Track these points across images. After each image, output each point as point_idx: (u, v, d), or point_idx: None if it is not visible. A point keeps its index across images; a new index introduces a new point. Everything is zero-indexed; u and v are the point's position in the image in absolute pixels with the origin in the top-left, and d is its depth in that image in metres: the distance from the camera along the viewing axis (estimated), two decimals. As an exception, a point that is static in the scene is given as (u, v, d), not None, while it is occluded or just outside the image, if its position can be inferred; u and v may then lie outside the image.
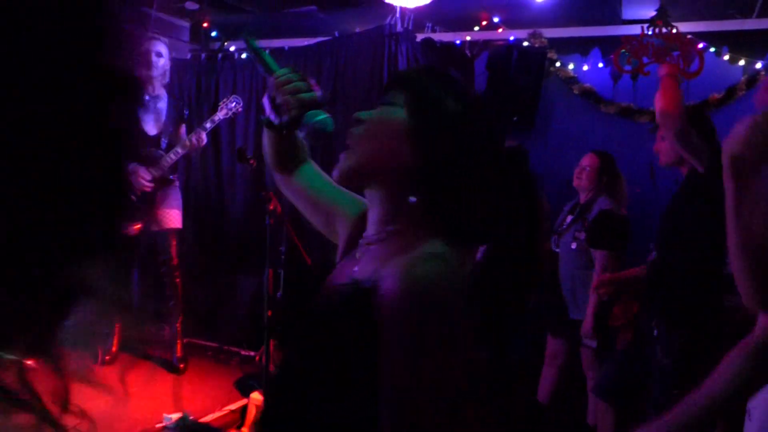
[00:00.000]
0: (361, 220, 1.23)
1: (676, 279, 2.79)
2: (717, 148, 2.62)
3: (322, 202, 1.41)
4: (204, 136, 4.26)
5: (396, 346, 0.94)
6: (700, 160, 2.75)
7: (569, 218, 3.78)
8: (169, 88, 4.72)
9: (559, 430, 4.04)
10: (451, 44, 5.16)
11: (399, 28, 4.66)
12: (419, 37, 4.90)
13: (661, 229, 2.95)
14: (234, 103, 4.37)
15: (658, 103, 2.80)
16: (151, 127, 4.26)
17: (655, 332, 2.81)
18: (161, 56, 4.25)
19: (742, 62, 4.66)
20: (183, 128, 4.42)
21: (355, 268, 1.11)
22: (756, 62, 4.61)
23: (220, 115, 4.30)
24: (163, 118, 4.30)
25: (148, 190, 4.16)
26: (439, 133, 1.08)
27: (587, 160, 3.79)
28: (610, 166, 3.75)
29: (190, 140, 4.18)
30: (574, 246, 3.66)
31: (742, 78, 4.64)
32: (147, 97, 4.26)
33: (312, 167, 1.46)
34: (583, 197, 3.79)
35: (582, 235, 3.64)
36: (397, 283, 0.95)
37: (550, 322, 3.90)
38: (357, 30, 5.18)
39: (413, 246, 1.03)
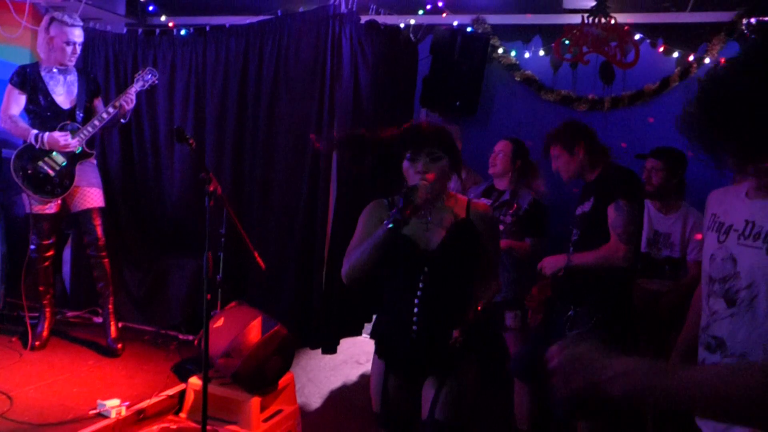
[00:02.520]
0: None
1: (594, 278, 3.04)
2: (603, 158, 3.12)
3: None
4: (133, 96, 4.11)
5: (490, 237, 2.42)
6: (587, 175, 3.19)
7: (484, 201, 3.88)
8: (102, 61, 4.54)
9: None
10: (396, 27, 5.14)
11: (343, 9, 4.61)
12: (363, 19, 4.85)
13: (579, 229, 3.18)
14: (150, 75, 4.25)
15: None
16: (63, 101, 4.10)
17: (571, 312, 3.08)
18: (81, 46, 4.11)
19: (676, 54, 4.82)
20: (98, 101, 4.28)
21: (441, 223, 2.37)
22: (689, 54, 4.76)
23: (137, 86, 4.17)
24: (76, 91, 4.15)
25: (74, 148, 4.01)
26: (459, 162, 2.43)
27: (500, 146, 3.98)
28: (523, 151, 3.92)
29: (119, 101, 4.03)
30: (501, 228, 3.76)
31: (676, 69, 4.80)
32: (56, 71, 4.10)
33: None
34: (499, 183, 3.96)
35: (508, 219, 3.83)
36: (484, 210, 2.45)
37: None
38: (300, 10, 5.10)
39: (452, 199, 2.42)
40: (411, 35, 5.20)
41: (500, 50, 5.10)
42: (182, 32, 5.22)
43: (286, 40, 4.73)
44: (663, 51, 4.84)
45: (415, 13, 5.32)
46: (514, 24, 5.20)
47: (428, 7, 5.33)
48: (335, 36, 4.53)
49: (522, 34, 5.17)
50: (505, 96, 5.15)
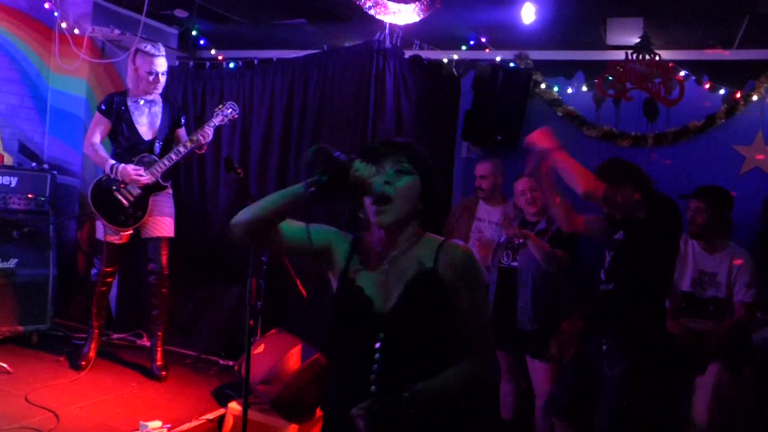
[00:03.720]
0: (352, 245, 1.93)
1: (627, 305, 3.04)
2: (652, 194, 3.07)
3: (316, 244, 1.94)
4: (211, 132, 4.21)
5: (468, 290, 1.77)
6: (637, 211, 3.04)
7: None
8: (164, 93, 4.72)
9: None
10: (439, 62, 5.23)
11: (387, 44, 4.71)
12: (407, 54, 4.95)
13: (614, 262, 3.18)
14: (230, 110, 4.35)
15: (577, 187, 3.02)
16: (146, 132, 4.23)
17: (604, 347, 3.06)
18: (165, 75, 4.25)
19: (722, 91, 4.78)
20: (180, 131, 4.40)
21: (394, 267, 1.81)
22: (736, 91, 4.72)
23: (216, 120, 4.28)
24: (159, 123, 4.28)
25: (146, 182, 4.13)
26: (433, 187, 1.86)
27: (523, 185, 3.93)
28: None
29: (196, 136, 4.15)
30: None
31: (722, 107, 4.75)
32: (143, 102, 4.24)
33: (291, 222, 1.92)
34: (528, 216, 3.96)
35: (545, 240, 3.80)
36: (456, 254, 1.79)
37: (505, 337, 3.94)
38: (346, 44, 5.23)
39: (422, 241, 1.83)
40: (454, 70, 5.28)
41: (542, 85, 5.13)
42: (231, 65, 5.40)
43: (331, 74, 4.84)
44: (709, 88, 4.80)
45: (458, 48, 5.40)
46: (557, 60, 5.24)
47: (471, 42, 5.41)
48: (379, 70, 4.62)
49: (564, 70, 5.20)
50: (547, 131, 5.16)
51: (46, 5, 5.29)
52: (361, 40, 4.98)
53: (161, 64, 4.20)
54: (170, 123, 4.33)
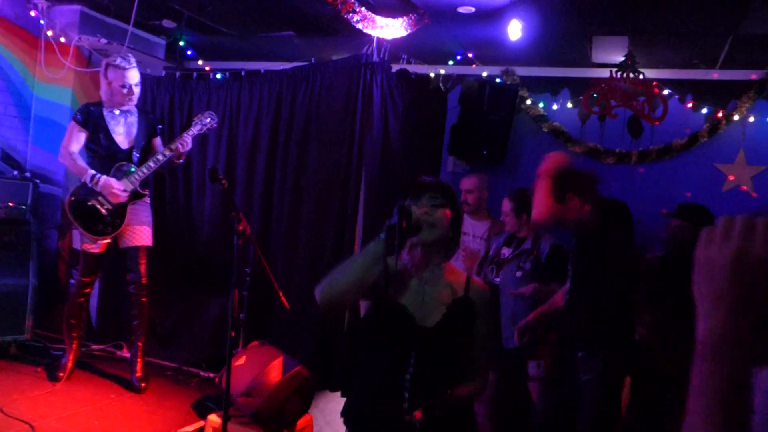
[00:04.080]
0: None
1: (590, 313, 3.11)
2: (601, 202, 3.12)
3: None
4: (189, 140, 4.20)
5: (486, 321, 2.15)
6: (585, 224, 3.11)
7: (506, 250, 3.88)
8: (140, 103, 4.69)
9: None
10: (426, 76, 5.25)
11: (375, 57, 4.73)
12: (395, 67, 4.97)
13: (574, 272, 3.24)
14: (209, 119, 4.35)
15: (532, 217, 3.17)
16: (122, 141, 4.21)
17: (580, 354, 3.11)
18: (138, 86, 4.24)
19: (704, 110, 4.83)
20: (157, 141, 4.38)
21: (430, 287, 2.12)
22: (718, 111, 4.78)
23: (194, 129, 4.27)
24: (135, 132, 4.27)
25: (124, 200, 4.10)
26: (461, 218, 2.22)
27: (504, 207, 3.98)
28: (525, 202, 3.84)
29: (175, 145, 4.14)
30: (519, 274, 3.76)
31: (705, 125, 4.81)
32: (118, 112, 4.22)
33: None
34: (518, 232, 3.96)
35: (528, 266, 3.80)
36: (482, 290, 2.18)
37: None
38: (334, 58, 5.24)
39: (448, 270, 2.17)
40: (441, 84, 5.30)
41: (528, 101, 5.17)
42: (218, 76, 5.39)
43: (319, 86, 4.85)
44: (692, 107, 4.86)
45: (446, 63, 5.44)
46: (543, 76, 5.28)
47: (458, 57, 5.45)
48: (366, 84, 4.64)
49: (550, 87, 5.24)
50: (532, 146, 5.19)
51: (33, 13, 5.27)
52: (348, 53, 5.00)
53: (133, 76, 4.19)
54: (147, 132, 4.32)
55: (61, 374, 4.12)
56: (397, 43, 4.80)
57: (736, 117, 4.72)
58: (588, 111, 4.92)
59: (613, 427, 3.06)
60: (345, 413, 2.20)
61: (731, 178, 4.74)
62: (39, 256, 4.83)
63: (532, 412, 3.73)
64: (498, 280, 3.86)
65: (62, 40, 5.31)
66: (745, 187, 4.70)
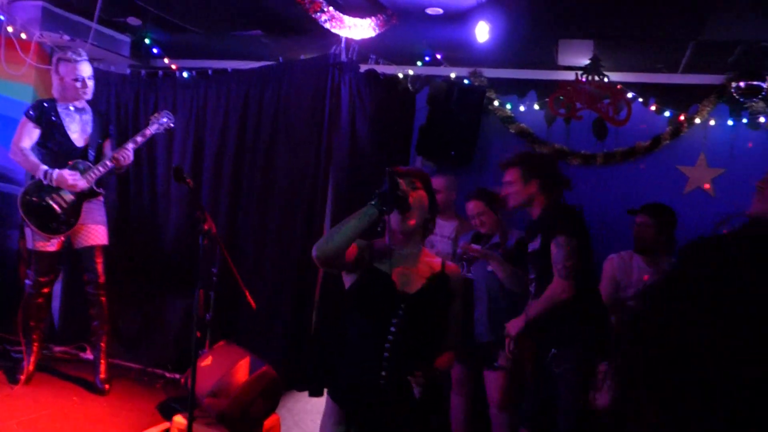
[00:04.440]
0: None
1: (563, 309, 3.12)
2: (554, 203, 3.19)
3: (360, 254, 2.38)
4: (130, 151, 4.14)
5: (460, 301, 2.42)
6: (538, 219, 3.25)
7: (475, 246, 3.92)
8: (104, 101, 4.61)
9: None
10: (394, 77, 5.26)
11: (343, 58, 4.73)
12: (363, 68, 4.98)
13: (535, 269, 3.28)
14: (165, 119, 4.30)
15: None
16: (78, 138, 4.15)
17: (553, 350, 3.15)
18: (91, 79, 4.18)
19: (667, 113, 4.93)
20: (108, 144, 4.32)
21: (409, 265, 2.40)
22: (680, 114, 4.88)
23: (150, 129, 4.23)
24: (90, 130, 4.20)
25: (82, 187, 4.03)
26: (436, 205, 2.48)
27: (473, 208, 4.00)
28: (494, 200, 3.95)
29: (117, 156, 4.08)
30: (490, 268, 3.78)
31: (668, 128, 4.90)
32: (73, 109, 4.16)
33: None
34: (482, 229, 4.01)
35: (498, 253, 3.86)
36: (457, 273, 2.47)
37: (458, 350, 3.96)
38: (302, 57, 5.22)
39: (424, 252, 2.47)
40: (409, 85, 5.32)
41: (496, 103, 5.22)
42: (185, 75, 5.33)
43: (287, 86, 4.83)
44: (655, 110, 4.95)
45: (414, 64, 5.45)
46: (510, 78, 5.33)
47: (427, 59, 5.47)
48: (334, 84, 4.64)
49: (517, 88, 5.30)
50: (500, 147, 5.23)
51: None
52: (317, 53, 4.99)
53: (86, 69, 4.14)
54: (100, 132, 4.27)
55: (21, 377, 4.04)
56: (365, 43, 4.80)
57: (697, 120, 4.82)
58: (554, 113, 4.98)
59: (592, 413, 3.09)
60: (330, 380, 2.46)
61: (692, 180, 4.84)
62: (-1, 257, 4.72)
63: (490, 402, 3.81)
64: (470, 275, 3.89)
65: (23, 36, 5.20)
66: (705, 189, 4.81)
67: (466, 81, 5.15)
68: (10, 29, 5.17)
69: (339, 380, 2.39)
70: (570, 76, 4.95)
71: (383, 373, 2.23)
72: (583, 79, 4.88)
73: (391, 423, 2.26)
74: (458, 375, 4.03)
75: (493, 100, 5.21)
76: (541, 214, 3.23)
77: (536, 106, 5.17)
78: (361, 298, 2.34)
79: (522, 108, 5.22)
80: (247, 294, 3.75)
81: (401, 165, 5.02)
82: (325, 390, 2.44)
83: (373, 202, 2.23)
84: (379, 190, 2.23)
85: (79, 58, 4.10)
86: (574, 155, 5.05)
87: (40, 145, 4.13)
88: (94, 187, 4.13)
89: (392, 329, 2.24)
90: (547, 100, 5.02)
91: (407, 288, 2.31)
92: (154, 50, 5.96)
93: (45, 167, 4.00)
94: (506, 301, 3.78)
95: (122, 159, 4.08)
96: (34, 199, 4.00)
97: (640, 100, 4.94)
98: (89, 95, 4.20)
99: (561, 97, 4.90)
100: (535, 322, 3.18)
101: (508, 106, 5.21)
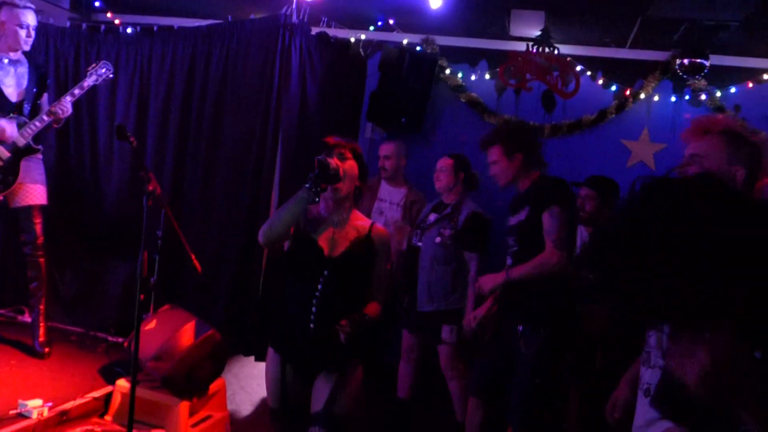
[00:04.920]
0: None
1: (531, 287, 3.09)
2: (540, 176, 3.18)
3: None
4: (68, 104, 3.96)
5: (383, 258, 2.69)
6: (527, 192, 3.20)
7: (432, 216, 3.96)
8: (42, 54, 4.40)
9: (426, 427, 4.17)
10: (346, 41, 5.20)
11: (294, 19, 4.64)
12: (314, 30, 4.90)
13: (517, 240, 3.22)
14: (104, 69, 4.11)
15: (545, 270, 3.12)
16: (12, 93, 3.95)
17: (520, 328, 3.10)
18: (35, 30, 3.98)
19: (614, 87, 5.03)
20: (45, 97, 4.13)
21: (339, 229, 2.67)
22: (626, 88, 4.98)
23: (89, 81, 4.04)
24: (26, 84, 4.01)
25: (14, 140, 3.85)
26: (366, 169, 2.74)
27: (442, 163, 4.04)
28: (465, 164, 4.03)
29: (54, 109, 3.92)
30: (438, 240, 3.84)
31: (614, 102, 5.00)
32: (7, 61, 3.97)
33: None
34: (446, 197, 3.99)
35: (447, 231, 3.88)
36: (382, 234, 2.71)
37: (407, 317, 4.02)
38: (252, 17, 5.10)
39: (354, 216, 2.71)
40: (361, 50, 5.26)
41: (447, 71, 5.22)
42: (128, 30, 5.14)
43: (235, 46, 4.72)
44: (602, 84, 5.04)
45: (366, 28, 5.39)
46: (462, 47, 5.33)
47: (379, 23, 5.42)
48: (285, 46, 4.55)
49: (469, 57, 5.30)
50: (450, 116, 5.26)
51: None
52: (267, 13, 4.88)
53: (31, 18, 3.96)
54: (37, 85, 4.08)
55: (-45, 340, 3.91)
56: (317, 5, 4.72)
57: (642, 95, 4.94)
58: (504, 83, 5.01)
59: (543, 400, 3.10)
60: (269, 330, 2.79)
61: (635, 154, 4.97)
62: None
63: (444, 374, 3.85)
64: (420, 244, 3.93)
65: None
66: (647, 163, 4.95)
67: (418, 48, 5.13)
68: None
69: (275, 330, 2.71)
70: (521, 46, 4.99)
71: (311, 326, 2.53)
72: (534, 51, 4.92)
73: (320, 362, 2.58)
74: (406, 343, 4.09)
75: (445, 68, 5.21)
76: (532, 185, 3.17)
77: (487, 76, 5.20)
78: (292, 262, 2.64)
79: (473, 77, 5.24)
80: (193, 257, 3.70)
81: (350, 130, 5.05)
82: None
83: (307, 185, 2.50)
84: (312, 173, 2.51)
85: (25, 4, 3.90)
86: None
87: None
88: (32, 144, 3.95)
89: (319, 287, 2.54)
90: (497, 70, 5.05)
91: (333, 252, 2.58)
92: (96, 3, 5.72)
93: None
94: (445, 274, 3.84)
95: (60, 112, 3.91)
96: None
97: (589, 73, 5.02)
98: (29, 46, 4.00)
99: (511, 68, 4.94)
100: (514, 287, 3.15)
101: (460, 75, 5.22)
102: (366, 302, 2.63)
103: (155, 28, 5.06)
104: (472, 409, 3.37)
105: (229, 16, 4.99)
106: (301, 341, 2.56)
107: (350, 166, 2.62)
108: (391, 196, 4.49)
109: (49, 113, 3.90)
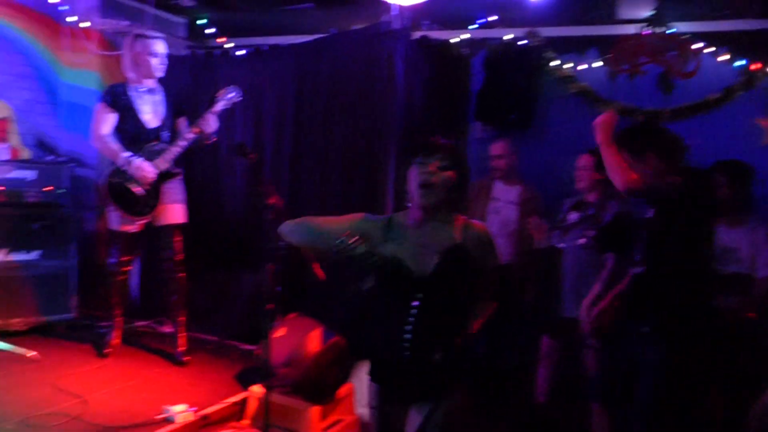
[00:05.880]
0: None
1: (667, 286, 2.88)
2: (680, 164, 2.92)
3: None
4: (213, 119, 4.17)
5: (485, 257, 2.36)
6: (667, 190, 2.89)
7: (573, 215, 3.81)
8: (164, 83, 4.69)
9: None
10: (448, 42, 5.19)
11: (395, 26, 4.69)
12: (415, 35, 4.93)
13: (648, 242, 3.00)
14: (233, 93, 4.32)
15: (618, 185, 2.93)
16: (150, 119, 4.24)
17: (647, 329, 2.89)
18: (166, 59, 4.26)
19: (740, 63, 4.69)
20: (182, 121, 4.39)
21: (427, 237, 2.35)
22: (753, 63, 4.63)
23: (218, 106, 4.26)
24: (162, 110, 4.28)
25: (153, 178, 4.12)
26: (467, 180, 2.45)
27: (582, 161, 3.88)
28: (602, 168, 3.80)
29: (200, 126, 4.13)
30: (582, 241, 3.68)
31: (740, 79, 4.67)
32: (144, 89, 4.25)
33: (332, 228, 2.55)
34: (588, 196, 3.83)
35: (591, 233, 3.68)
36: (478, 231, 2.39)
37: (546, 322, 3.92)
38: (354, 28, 5.21)
39: (450, 220, 2.38)
40: (463, 50, 5.24)
41: (555, 63, 5.09)
42: (240, 52, 5.39)
43: (340, 57, 4.84)
44: (725, 60, 4.72)
45: (468, 27, 5.36)
46: (569, 36, 5.17)
47: (481, 21, 5.37)
48: (388, 53, 4.61)
49: (577, 46, 5.13)
50: (560, 109, 5.12)
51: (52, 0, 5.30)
52: (368, 23, 4.96)
53: (163, 47, 4.21)
54: (173, 111, 4.33)
55: (107, 350, 4.25)
56: (417, 9, 4.74)
57: (772, 68, 4.58)
58: (616, 69, 4.82)
59: (670, 413, 2.90)
60: (358, 347, 2.51)
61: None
62: (79, 238, 4.95)
63: (588, 381, 3.66)
64: (563, 245, 3.81)
65: (85, 24, 5.35)
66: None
67: (522, 42, 5.04)
68: (72, 19, 5.33)
69: (367, 351, 2.44)
70: (632, 29, 4.78)
71: (406, 354, 2.23)
72: (646, 32, 4.70)
73: (415, 391, 2.31)
74: (546, 348, 3.98)
75: (552, 59, 5.07)
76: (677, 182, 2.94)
77: (597, 64, 5.01)
78: (377, 283, 2.33)
79: (582, 66, 5.08)
80: (315, 266, 3.81)
81: (458, 132, 5.03)
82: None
83: (341, 241, 2.27)
84: (343, 242, 2.27)
85: (156, 35, 4.19)
86: (640, 112, 4.88)
87: (116, 129, 4.23)
88: (171, 168, 4.21)
89: (412, 312, 2.23)
90: (608, 56, 4.86)
91: (425, 268, 2.27)
92: (209, 30, 6.05)
93: (125, 154, 4.06)
94: (593, 277, 3.59)
95: (205, 127, 4.14)
96: (117, 183, 4.10)
97: (710, 50, 4.72)
98: (162, 73, 4.26)
99: (623, 52, 4.75)
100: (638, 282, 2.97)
101: (568, 66, 5.07)
102: (472, 310, 2.35)
103: (264, 48, 5.28)
104: (597, 416, 3.22)
105: (332, 30, 5.12)
106: (394, 368, 2.30)
107: (447, 177, 2.33)
108: (506, 194, 4.44)
109: (194, 129, 4.13)
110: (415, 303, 2.22)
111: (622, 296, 3.15)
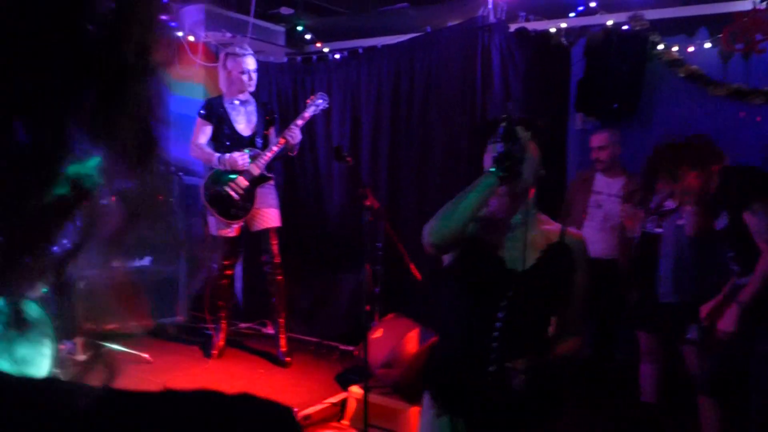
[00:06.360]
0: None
1: None
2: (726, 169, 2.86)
3: None
4: (297, 132, 4.34)
5: (584, 273, 1.93)
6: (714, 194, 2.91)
7: (670, 202, 3.60)
8: (265, 90, 4.86)
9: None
10: (546, 33, 5.02)
11: (492, 19, 4.60)
12: (512, 27, 4.80)
13: (732, 248, 2.92)
14: (321, 100, 4.46)
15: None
16: (244, 129, 4.41)
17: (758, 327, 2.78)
18: (256, 73, 4.41)
19: None
20: (272, 130, 4.55)
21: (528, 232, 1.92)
22: None
23: (308, 112, 4.40)
24: (255, 120, 4.45)
25: (246, 166, 4.30)
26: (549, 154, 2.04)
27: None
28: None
29: (284, 136, 4.30)
30: (682, 221, 3.46)
31: None
32: (238, 102, 4.42)
33: None
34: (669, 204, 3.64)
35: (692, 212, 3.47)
36: (578, 239, 1.97)
37: (640, 315, 3.71)
38: (449, 24, 5.14)
39: (540, 219, 1.98)
40: (562, 39, 5.05)
41: (661, 46, 4.81)
42: (336, 56, 5.46)
43: (436, 55, 4.80)
44: None
45: (566, 16, 5.16)
46: (676, 17, 4.87)
47: (580, 8, 5.16)
48: (485, 47, 4.53)
49: (685, 27, 4.83)
50: (667, 94, 4.83)
51: (164, 17, 5.58)
52: (463, 18, 4.89)
53: (251, 63, 4.37)
54: (264, 120, 4.50)
55: (214, 352, 4.43)
56: (512, 1, 4.62)
57: None
58: (729, 49, 4.49)
59: None
60: (426, 369, 2.13)
61: None
62: (188, 244, 5.18)
63: (692, 375, 3.46)
64: (660, 230, 3.64)
65: (191, 38, 5.60)
66: None
67: (625, 27, 4.79)
68: (180, 34, 5.60)
69: (434, 370, 2.02)
70: (746, 5, 4.43)
71: (490, 368, 1.82)
72: (763, 7, 4.35)
73: (502, 420, 1.86)
74: (645, 344, 3.78)
75: (658, 43, 4.80)
76: (721, 185, 2.89)
77: (708, 45, 4.69)
78: (461, 279, 1.95)
79: (691, 48, 4.77)
80: (412, 266, 3.81)
81: (558, 123, 4.86)
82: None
83: (492, 169, 1.82)
84: (496, 154, 1.81)
85: (245, 53, 4.36)
86: (756, 94, 4.52)
87: (213, 140, 4.46)
88: (265, 173, 4.37)
89: (500, 314, 1.84)
90: (720, 36, 4.54)
91: (518, 264, 1.88)
92: (307, 36, 6.18)
93: (218, 154, 4.33)
94: (696, 261, 3.43)
95: (290, 138, 4.29)
96: (214, 188, 4.32)
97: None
98: (253, 87, 4.45)
99: (737, 30, 4.41)
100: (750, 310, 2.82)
101: (676, 48, 4.78)
102: (562, 335, 1.93)
103: (360, 51, 5.33)
104: (706, 409, 3.07)
105: (428, 28, 5.08)
106: (476, 387, 1.85)
107: (533, 149, 1.86)
108: (608, 187, 4.23)
109: (280, 140, 4.30)
110: (505, 302, 1.86)
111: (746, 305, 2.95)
